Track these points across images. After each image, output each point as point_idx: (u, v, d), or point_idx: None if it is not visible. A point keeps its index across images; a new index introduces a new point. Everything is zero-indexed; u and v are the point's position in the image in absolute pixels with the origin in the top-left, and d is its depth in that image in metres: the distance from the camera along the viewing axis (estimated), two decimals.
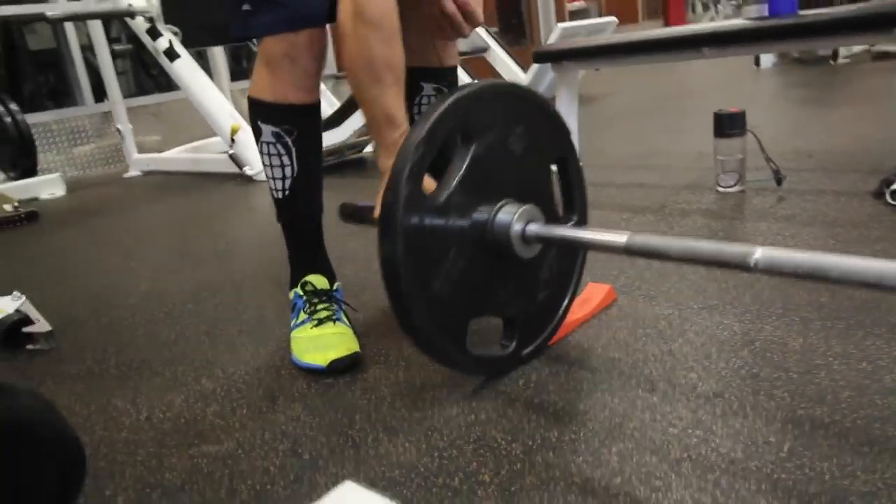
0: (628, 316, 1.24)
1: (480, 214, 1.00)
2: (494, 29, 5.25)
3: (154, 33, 3.35)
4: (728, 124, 1.85)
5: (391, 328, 1.33)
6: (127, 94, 4.64)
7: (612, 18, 4.32)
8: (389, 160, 0.96)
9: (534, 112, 1.10)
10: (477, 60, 4.59)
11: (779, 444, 0.83)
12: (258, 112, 1.23)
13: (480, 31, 3.20)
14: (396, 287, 0.92)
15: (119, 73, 4.87)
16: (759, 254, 0.76)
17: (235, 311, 1.56)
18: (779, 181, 1.86)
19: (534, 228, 1.00)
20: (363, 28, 1.05)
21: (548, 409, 0.98)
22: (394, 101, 1.09)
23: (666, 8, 9.40)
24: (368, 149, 3.43)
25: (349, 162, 3.27)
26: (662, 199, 1.95)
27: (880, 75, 3.79)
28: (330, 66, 5.90)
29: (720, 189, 1.91)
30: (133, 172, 3.89)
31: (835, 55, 4.31)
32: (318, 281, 1.28)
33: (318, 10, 1.15)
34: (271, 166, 1.24)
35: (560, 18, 5.10)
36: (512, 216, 0.99)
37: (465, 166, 0.99)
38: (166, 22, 3.35)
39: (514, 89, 1.08)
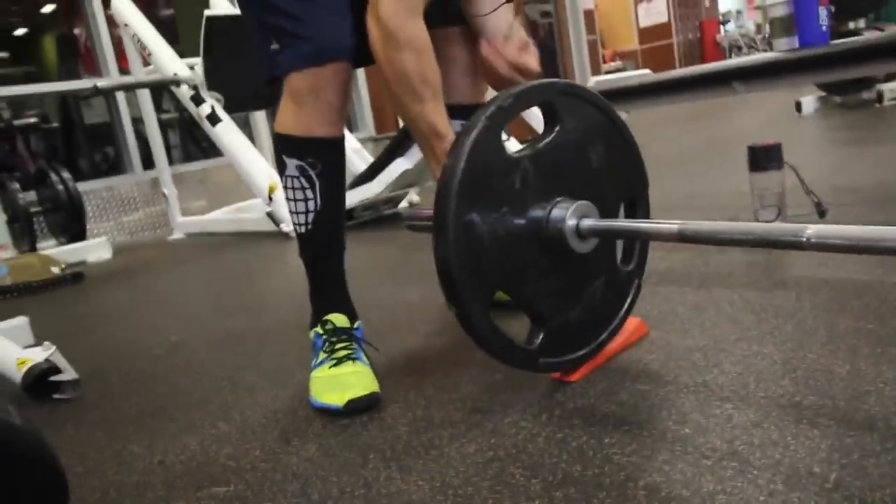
0: (660, 349, 1.17)
1: (540, 205, 1.00)
2: None
3: (198, 100, 3.49)
4: (763, 157, 1.78)
5: (413, 370, 1.29)
6: (178, 163, 4.83)
7: (647, 71, 4.33)
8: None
9: (620, 140, 1.11)
10: None
11: (824, 475, 0.75)
12: (283, 146, 1.24)
13: None
14: (444, 207, 0.92)
15: (172, 147, 5.09)
16: (811, 230, 0.76)
17: (258, 358, 1.53)
18: (821, 213, 1.78)
19: (588, 222, 0.99)
20: (395, 51, 1.10)
21: (570, 443, 0.91)
22: (436, 113, 1.14)
23: (703, 62, 9.44)
24: (404, 203, 3.45)
25: (385, 217, 3.28)
26: None
27: None
28: (369, 129, 6.02)
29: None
30: (177, 235, 3.98)
31: (880, 98, 4.20)
32: (338, 319, 1.25)
33: (342, 42, 1.17)
34: (294, 200, 1.24)
35: (595, 74, 5.14)
36: (568, 210, 0.99)
37: (544, 141, 1.02)
38: (209, 89, 3.48)
39: (610, 109, 1.09)
